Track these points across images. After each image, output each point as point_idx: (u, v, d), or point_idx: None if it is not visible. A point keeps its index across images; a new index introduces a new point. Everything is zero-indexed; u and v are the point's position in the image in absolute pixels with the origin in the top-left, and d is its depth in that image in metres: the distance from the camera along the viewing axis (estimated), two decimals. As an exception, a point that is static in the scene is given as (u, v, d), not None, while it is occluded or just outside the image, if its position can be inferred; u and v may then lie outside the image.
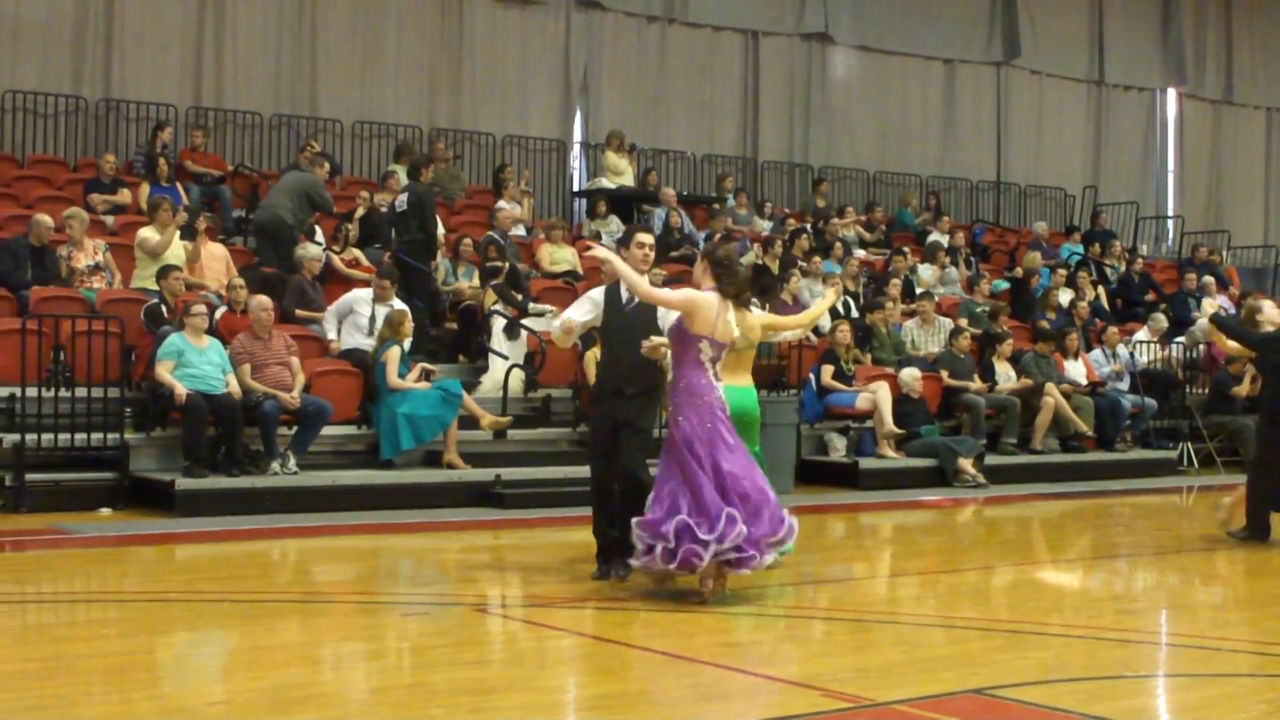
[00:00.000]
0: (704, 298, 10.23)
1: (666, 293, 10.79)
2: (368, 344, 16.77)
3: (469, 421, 16.41)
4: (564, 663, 8.72)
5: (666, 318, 10.56)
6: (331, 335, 17.15)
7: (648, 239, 11.04)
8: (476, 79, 25.78)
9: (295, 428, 15.59)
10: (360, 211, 20.43)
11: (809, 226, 24.87)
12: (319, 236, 19.48)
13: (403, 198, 19.04)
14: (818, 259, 22.66)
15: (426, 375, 16.46)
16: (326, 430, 15.91)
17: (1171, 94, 34.53)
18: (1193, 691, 8.32)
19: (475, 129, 25.60)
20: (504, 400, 17.31)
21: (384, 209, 20.70)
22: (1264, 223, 35.51)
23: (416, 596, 11.09)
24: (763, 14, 28.62)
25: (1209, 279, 27.33)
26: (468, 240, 20.06)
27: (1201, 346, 23.54)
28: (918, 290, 23.41)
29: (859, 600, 11.49)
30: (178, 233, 17.38)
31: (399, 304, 17.00)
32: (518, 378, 17.80)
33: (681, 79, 27.84)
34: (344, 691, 8.03)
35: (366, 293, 17.27)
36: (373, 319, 16.90)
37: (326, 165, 19.86)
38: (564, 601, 9.98)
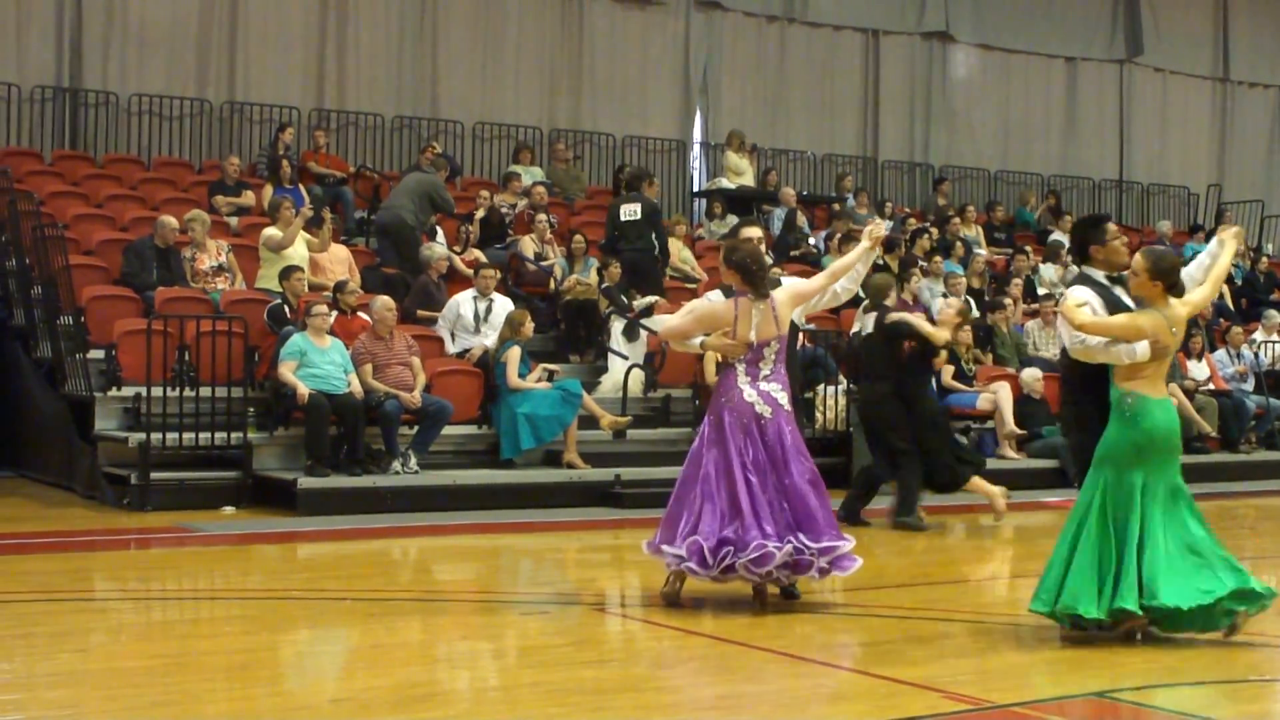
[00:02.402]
0: (710, 308, 10.05)
1: (673, 321, 10.55)
2: (476, 341, 16.89)
3: (589, 421, 16.45)
4: (683, 663, 8.72)
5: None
6: (447, 341, 17.28)
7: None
8: (596, 79, 25.86)
9: (416, 427, 15.69)
10: (481, 213, 20.55)
11: (930, 226, 24.72)
12: (440, 237, 19.62)
13: (635, 207, 19.38)
14: (939, 259, 22.53)
15: (549, 375, 16.52)
16: (447, 430, 15.99)
17: (1298, 90, 34.02)
18: (1320, 696, 8.22)
19: (595, 129, 25.68)
20: (624, 400, 17.34)
21: (504, 209, 20.84)
22: (1392, 220, 34.95)
23: (536, 596, 11.14)
24: (883, 13, 28.49)
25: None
26: (579, 237, 20.11)
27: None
28: (1039, 290, 23.22)
29: (980, 601, 11.42)
30: (301, 229, 17.52)
31: (507, 300, 17.18)
32: (637, 378, 17.83)
33: (801, 78, 27.77)
34: (463, 690, 8.08)
35: (467, 293, 17.39)
36: (477, 315, 17.05)
37: (447, 167, 20.02)
38: (683, 601, 9.97)
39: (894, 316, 14.89)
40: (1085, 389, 9.13)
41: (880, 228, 10.35)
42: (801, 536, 9.55)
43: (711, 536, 9.53)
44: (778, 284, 10.22)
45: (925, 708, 7.50)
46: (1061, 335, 9.10)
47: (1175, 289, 8.82)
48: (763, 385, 9.77)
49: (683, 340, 10.32)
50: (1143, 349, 8.68)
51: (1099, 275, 9.19)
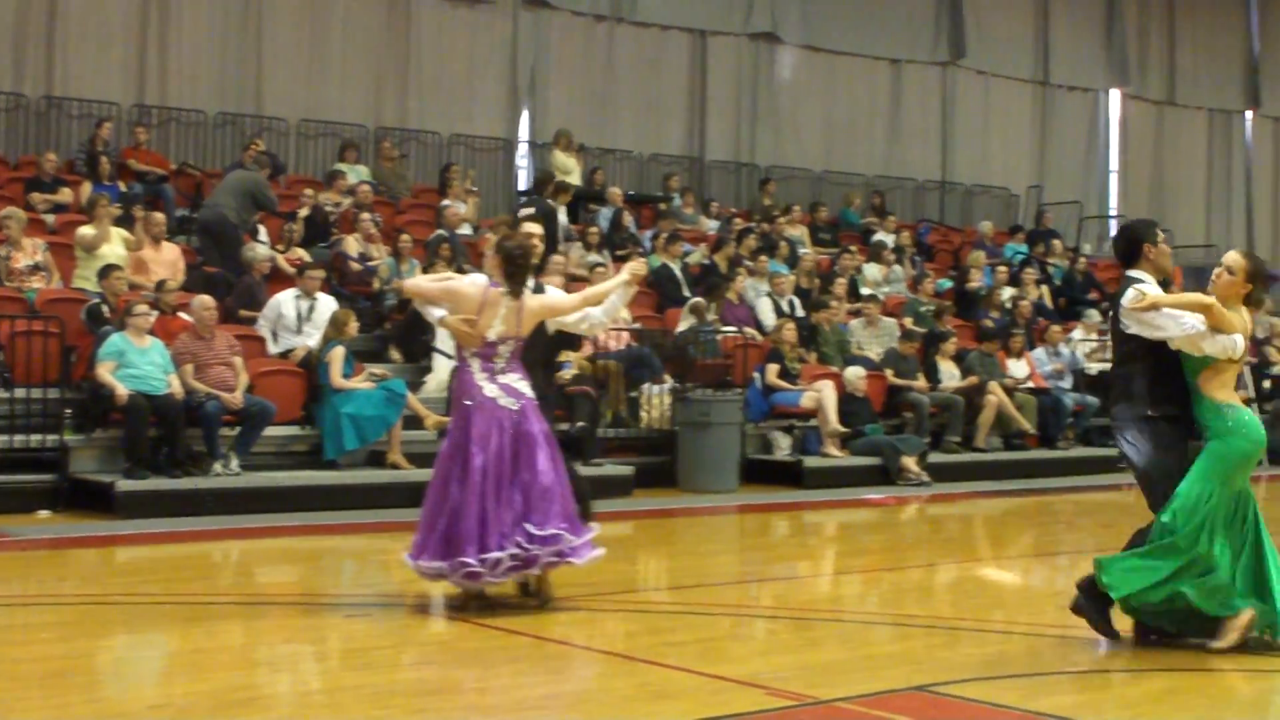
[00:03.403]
0: (461, 288, 9.89)
1: (425, 284, 10.44)
2: (298, 341, 16.75)
3: (413, 421, 16.35)
4: (507, 663, 8.67)
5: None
6: (269, 341, 17.10)
7: (536, 228, 10.57)
8: (423, 77, 25.70)
9: (238, 428, 15.49)
10: (305, 211, 20.36)
11: (755, 225, 24.86)
12: (263, 236, 19.40)
13: (530, 211, 19.34)
14: (764, 258, 22.68)
15: (373, 377, 16.40)
16: (269, 431, 15.82)
17: (1115, 94, 34.74)
18: (1134, 686, 8.35)
19: (421, 128, 25.52)
20: (448, 399, 17.24)
21: (328, 208, 20.67)
22: (1205, 222, 35.79)
23: (359, 598, 11.05)
24: (710, 14, 28.61)
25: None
26: (406, 236, 19.97)
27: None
28: (863, 289, 23.48)
29: (803, 598, 11.48)
30: (112, 227, 17.22)
31: (330, 300, 17.05)
32: (462, 377, 17.73)
33: (629, 78, 27.82)
34: (285, 693, 7.99)
35: (290, 293, 17.24)
36: (299, 315, 16.91)
37: (270, 165, 19.80)
38: (508, 602, 9.94)
39: None
40: (1156, 402, 8.77)
41: (642, 266, 10.32)
42: (530, 528, 9.51)
43: (450, 550, 9.56)
44: (541, 289, 10.14)
45: (750, 704, 7.54)
46: (1137, 330, 8.74)
47: (1255, 298, 8.86)
48: (501, 379, 9.73)
49: (422, 301, 10.32)
50: (1241, 342, 8.61)
51: (1148, 279, 8.88)
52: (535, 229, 10.53)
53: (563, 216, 22.13)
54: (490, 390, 9.68)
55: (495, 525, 9.49)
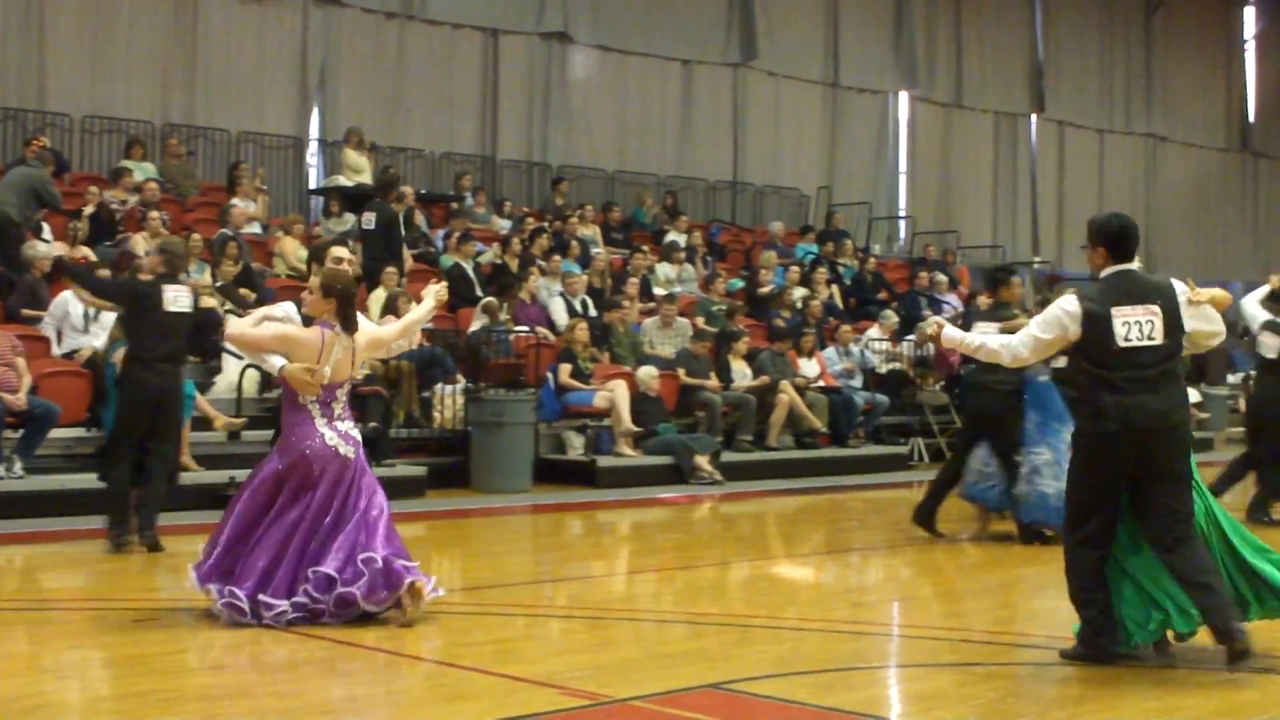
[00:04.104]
0: (296, 335, 9.58)
1: (255, 333, 9.68)
2: (84, 342, 16.45)
3: (203, 423, 16.14)
4: (299, 666, 8.60)
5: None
6: (53, 341, 16.76)
7: (343, 252, 10.30)
8: (211, 73, 25.30)
9: (21, 430, 15.16)
10: (90, 209, 19.96)
11: (548, 225, 24.88)
12: (47, 233, 19.00)
13: (371, 216, 19.18)
14: (557, 258, 22.71)
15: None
16: (55, 433, 15.50)
17: (904, 97, 35.32)
18: (924, 681, 8.50)
19: (210, 125, 25.13)
20: (238, 401, 17.06)
21: (114, 205, 20.30)
22: (991, 223, 36.57)
23: (149, 603, 10.87)
24: (502, 12, 28.54)
25: (941, 278, 27.95)
26: (196, 236, 19.68)
27: (930, 345, 24.02)
28: (655, 289, 23.60)
29: (597, 598, 11.53)
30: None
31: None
32: (252, 378, 17.53)
33: (420, 76, 27.65)
34: (73, 700, 7.86)
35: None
36: (86, 315, 16.61)
37: (54, 162, 19.41)
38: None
39: None
40: None
41: (444, 291, 10.24)
42: (322, 577, 9.29)
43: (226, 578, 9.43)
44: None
45: (545, 704, 7.55)
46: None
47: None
48: (339, 425, 9.59)
49: (254, 353, 9.98)
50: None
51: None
52: (343, 253, 10.33)
53: (352, 220, 21.95)
54: (330, 438, 9.51)
55: (286, 574, 9.34)
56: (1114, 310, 8.35)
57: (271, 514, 9.51)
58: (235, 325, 9.65)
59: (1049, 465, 13.37)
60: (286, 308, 10.06)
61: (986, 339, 9.10)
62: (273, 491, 9.57)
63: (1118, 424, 8.28)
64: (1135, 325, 8.33)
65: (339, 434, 9.55)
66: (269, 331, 9.64)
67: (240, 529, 9.60)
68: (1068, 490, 8.71)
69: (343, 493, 9.49)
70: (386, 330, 10.32)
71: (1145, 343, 8.33)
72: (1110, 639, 8.50)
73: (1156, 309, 8.36)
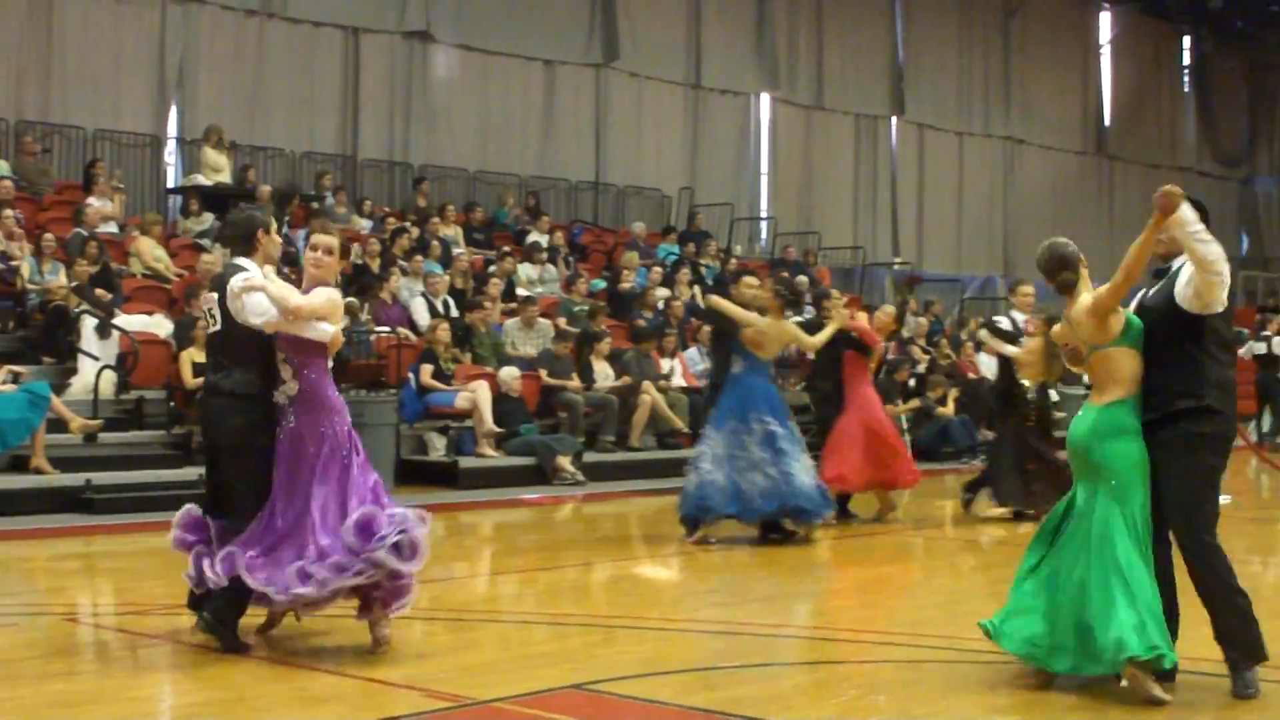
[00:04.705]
0: (338, 296, 9.30)
1: (317, 301, 9.16)
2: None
3: (58, 425, 15.90)
4: (159, 671, 8.51)
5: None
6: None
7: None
8: (67, 70, 24.91)
9: None
10: (-57, 209, 19.63)
11: (409, 225, 24.75)
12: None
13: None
14: (418, 258, 22.61)
15: (14, 378, 15.89)
16: None
17: (765, 98, 35.50)
18: (787, 680, 8.55)
19: (65, 122, 24.75)
20: (95, 402, 16.83)
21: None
22: (852, 225, 36.82)
23: (3, 607, 10.69)
24: (363, 11, 28.36)
25: (802, 279, 28.11)
26: (49, 235, 19.37)
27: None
28: (518, 290, 23.57)
29: (460, 599, 11.47)
30: None
31: None
32: (109, 379, 17.31)
33: (281, 74, 27.41)
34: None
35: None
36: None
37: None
38: (158, 609, 9.73)
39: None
40: None
41: (353, 305, 9.99)
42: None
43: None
44: None
45: (408, 707, 7.52)
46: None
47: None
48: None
49: (307, 318, 9.12)
50: None
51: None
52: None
53: (211, 219, 21.70)
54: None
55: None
56: None
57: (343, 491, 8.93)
58: (293, 298, 8.94)
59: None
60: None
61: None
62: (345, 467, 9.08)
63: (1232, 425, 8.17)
64: None
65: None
66: (322, 298, 9.17)
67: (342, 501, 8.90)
68: (1205, 494, 7.96)
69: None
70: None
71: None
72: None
73: None
